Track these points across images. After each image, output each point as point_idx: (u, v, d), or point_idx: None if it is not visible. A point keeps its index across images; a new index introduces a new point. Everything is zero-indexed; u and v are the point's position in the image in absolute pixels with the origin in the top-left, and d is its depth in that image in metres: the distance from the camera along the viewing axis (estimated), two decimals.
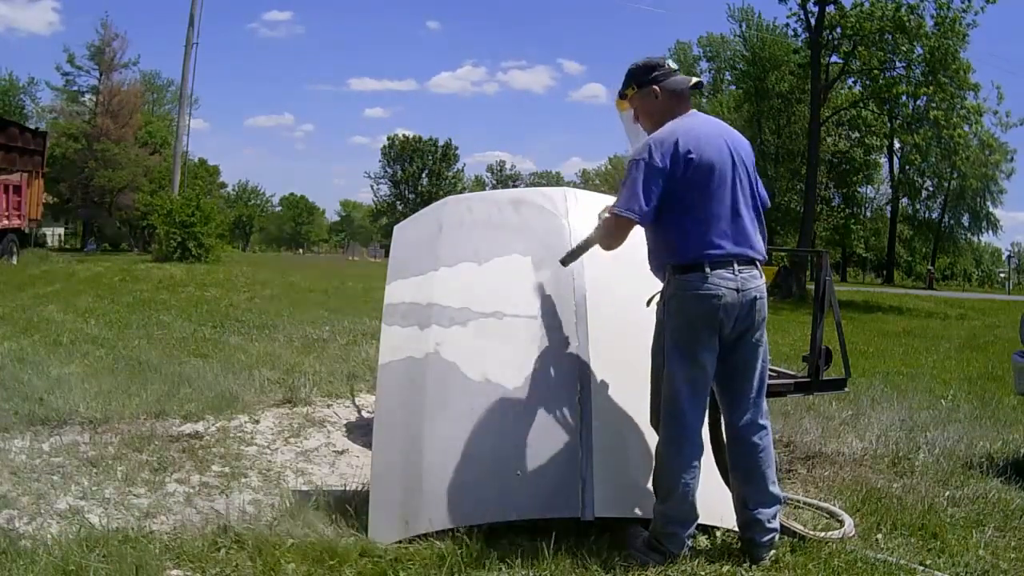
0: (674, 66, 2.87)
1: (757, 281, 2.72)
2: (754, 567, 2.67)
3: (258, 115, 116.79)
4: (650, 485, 2.78)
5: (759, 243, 2.78)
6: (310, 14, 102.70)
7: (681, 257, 2.68)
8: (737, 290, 2.65)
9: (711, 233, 2.66)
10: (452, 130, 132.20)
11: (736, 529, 2.82)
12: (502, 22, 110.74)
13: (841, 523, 3.12)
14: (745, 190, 2.77)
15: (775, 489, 2.76)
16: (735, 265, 2.67)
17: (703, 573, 2.63)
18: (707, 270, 2.64)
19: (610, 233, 2.77)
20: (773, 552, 2.74)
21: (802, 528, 2.98)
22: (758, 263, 2.76)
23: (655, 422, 2.77)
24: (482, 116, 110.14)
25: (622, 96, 2.95)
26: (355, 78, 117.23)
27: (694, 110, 2.88)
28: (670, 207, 2.67)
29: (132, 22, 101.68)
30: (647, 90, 2.85)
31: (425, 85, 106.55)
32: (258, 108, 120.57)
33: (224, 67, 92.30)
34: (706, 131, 2.76)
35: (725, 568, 2.66)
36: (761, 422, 2.77)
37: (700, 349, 2.66)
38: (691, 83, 2.85)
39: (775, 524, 2.75)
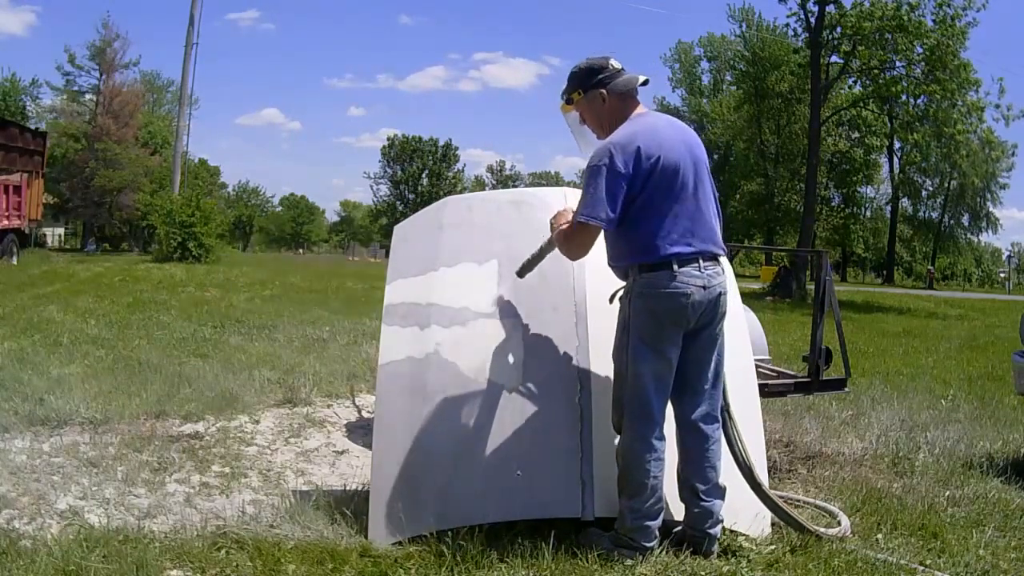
0: (618, 66, 2.85)
1: (721, 277, 2.77)
2: (753, 567, 2.68)
3: (242, 115, 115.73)
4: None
5: (720, 238, 2.82)
6: (278, 12, 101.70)
7: (648, 257, 2.69)
8: (704, 287, 2.69)
9: (676, 233, 2.68)
10: (439, 129, 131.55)
11: (680, 522, 2.83)
12: (486, 18, 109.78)
13: (839, 523, 3.12)
14: (705, 187, 2.79)
15: (722, 483, 2.81)
16: (700, 262, 2.70)
17: (703, 573, 2.63)
18: (675, 268, 2.66)
19: (575, 241, 2.75)
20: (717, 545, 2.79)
21: (802, 518, 2.97)
22: (720, 258, 2.80)
23: (617, 419, 2.77)
24: (467, 115, 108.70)
25: (568, 100, 2.92)
26: (329, 77, 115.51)
27: (645, 108, 2.87)
28: (634, 210, 2.68)
29: (132, 22, 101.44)
30: (594, 94, 2.83)
31: (402, 83, 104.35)
32: (243, 108, 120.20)
33: (209, 67, 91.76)
34: (666, 132, 2.76)
35: (725, 568, 2.66)
36: (715, 414, 2.81)
37: (666, 346, 2.69)
38: (639, 82, 2.84)
39: (723, 517, 2.81)
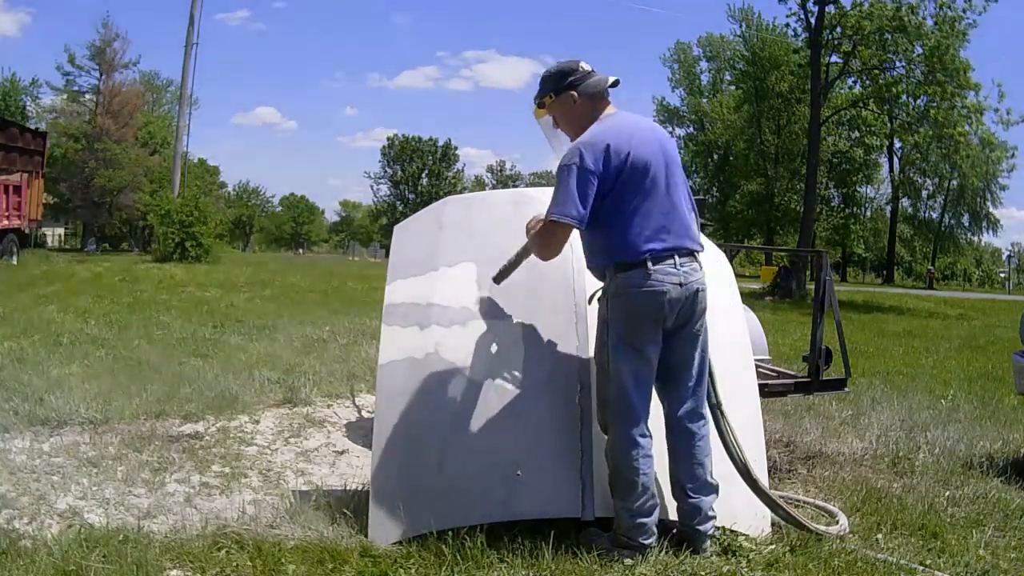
0: (588, 68, 2.87)
1: (699, 273, 2.77)
2: (753, 567, 2.68)
3: (237, 114, 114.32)
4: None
5: (697, 233, 2.82)
6: (268, 12, 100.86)
7: (622, 256, 2.70)
8: (680, 284, 2.69)
9: (649, 229, 2.69)
10: (433, 128, 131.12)
11: (676, 519, 2.83)
12: (478, 16, 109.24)
13: (838, 522, 3.12)
14: (678, 184, 2.80)
15: (713, 479, 2.81)
16: (676, 258, 2.71)
17: (703, 573, 2.63)
18: (649, 266, 2.67)
19: (547, 240, 2.77)
20: (711, 542, 2.78)
21: (801, 516, 2.97)
22: (697, 254, 2.79)
23: (603, 419, 2.78)
24: (460, 114, 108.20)
25: (540, 104, 2.95)
26: (322, 76, 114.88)
27: (617, 109, 2.89)
28: (606, 208, 2.70)
29: (131, 22, 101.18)
30: (565, 96, 2.86)
31: (392, 82, 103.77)
32: (238, 107, 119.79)
33: (203, 66, 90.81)
34: (636, 130, 2.78)
35: (725, 568, 2.66)
36: (701, 411, 2.82)
37: (645, 344, 2.70)
38: (608, 83, 2.86)
39: (715, 513, 2.80)
